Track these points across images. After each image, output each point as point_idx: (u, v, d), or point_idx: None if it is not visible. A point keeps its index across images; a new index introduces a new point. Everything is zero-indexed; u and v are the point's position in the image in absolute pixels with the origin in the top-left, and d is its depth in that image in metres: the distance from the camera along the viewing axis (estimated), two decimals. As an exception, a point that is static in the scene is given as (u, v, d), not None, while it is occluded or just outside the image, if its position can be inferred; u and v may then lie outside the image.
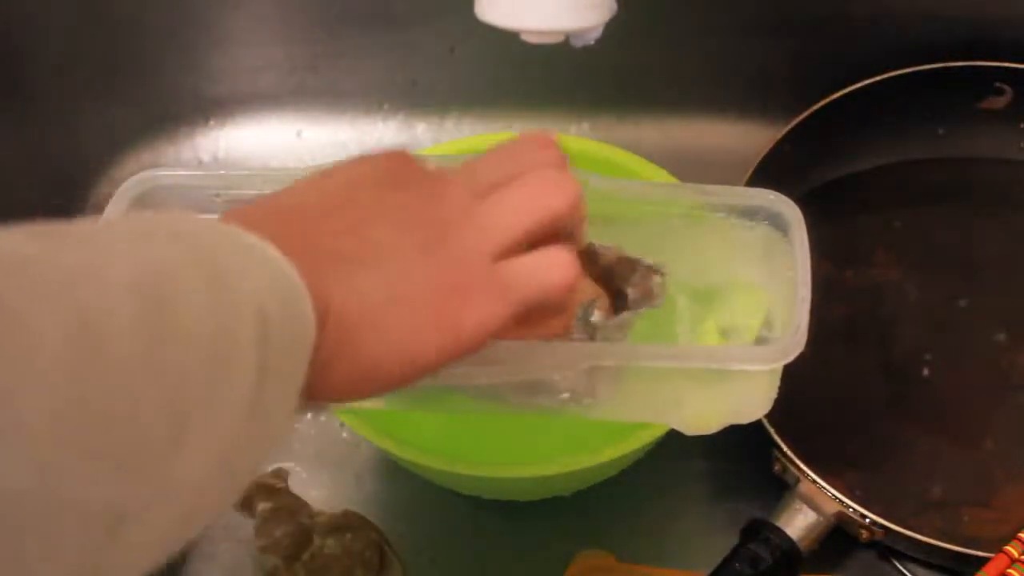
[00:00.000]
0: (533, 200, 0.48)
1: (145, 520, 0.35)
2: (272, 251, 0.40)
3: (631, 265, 0.59)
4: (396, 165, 0.48)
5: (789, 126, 0.77)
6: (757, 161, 0.75)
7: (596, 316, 0.57)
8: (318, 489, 0.71)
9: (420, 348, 0.44)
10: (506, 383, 0.56)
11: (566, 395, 0.56)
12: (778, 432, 0.66)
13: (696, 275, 0.63)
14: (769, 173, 0.73)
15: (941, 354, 0.73)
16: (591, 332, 0.57)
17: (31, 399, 0.31)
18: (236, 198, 0.63)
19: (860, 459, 0.69)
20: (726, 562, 0.64)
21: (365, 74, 0.85)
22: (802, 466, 0.66)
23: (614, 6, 0.60)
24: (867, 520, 0.65)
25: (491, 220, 0.47)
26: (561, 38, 0.60)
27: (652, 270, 0.59)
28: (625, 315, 0.58)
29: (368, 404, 0.61)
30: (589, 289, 0.59)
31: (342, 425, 0.73)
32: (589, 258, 0.60)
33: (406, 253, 0.45)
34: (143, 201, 0.61)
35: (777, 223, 0.60)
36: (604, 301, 0.58)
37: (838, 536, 0.66)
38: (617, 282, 0.59)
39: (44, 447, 0.31)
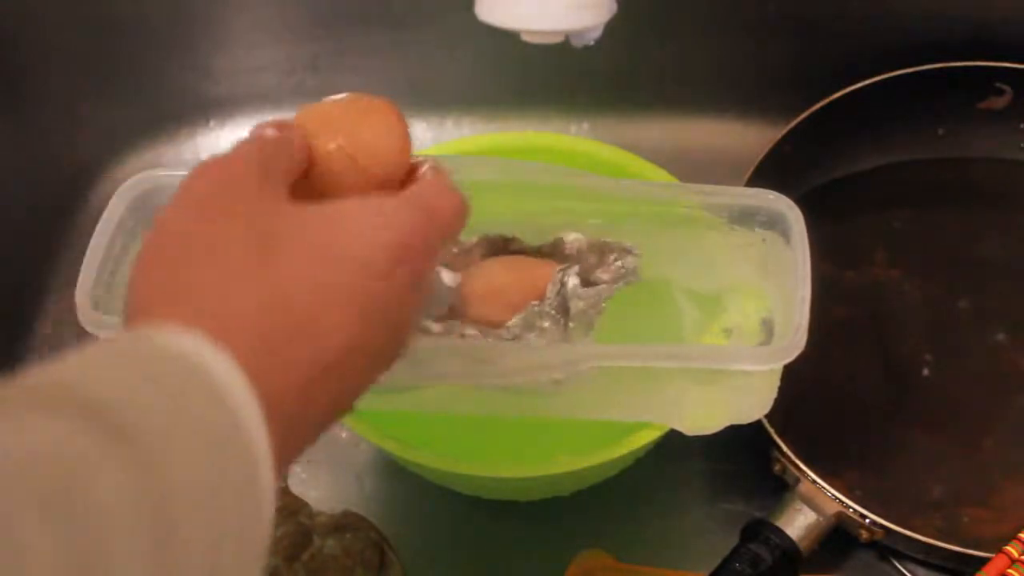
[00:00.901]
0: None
1: None
2: (243, 409, 0.38)
3: (603, 247, 0.60)
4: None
5: (789, 126, 0.77)
6: (757, 161, 0.75)
7: (574, 281, 0.57)
8: (318, 489, 0.71)
9: (344, 409, 0.44)
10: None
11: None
12: (778, 432, 0.66)
13: (697, 277, 0.63)
14: (769, 173, 0.73)
15: (941, 354, 0.73)
16: (565, 299, 0.57)
17: None
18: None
19: (860, 459, 0.69)
20: (726, 562, 0.64)
21: (365, 74, 0.85)
22: (802, 466, 0.66)
23: (614, 6, 0.60)
24: (867, 520, 0.65)
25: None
26: (561, 38, 0.60)
27: (625, 250, 0.60)
28: (603, 288, 0.58)
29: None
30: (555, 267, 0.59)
31: (342, 425, 0.73)
32: (556, 251, 0.61)
33: (342, 328, 0.42)
34: (143, 201, 0.61)
35: (777, 223, 0.60)
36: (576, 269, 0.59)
37: (838, 536, 0.66)
38: (591, 263, 0.60)
39: None
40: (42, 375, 0.36)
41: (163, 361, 0.38)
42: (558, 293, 0.57)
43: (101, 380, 0.36)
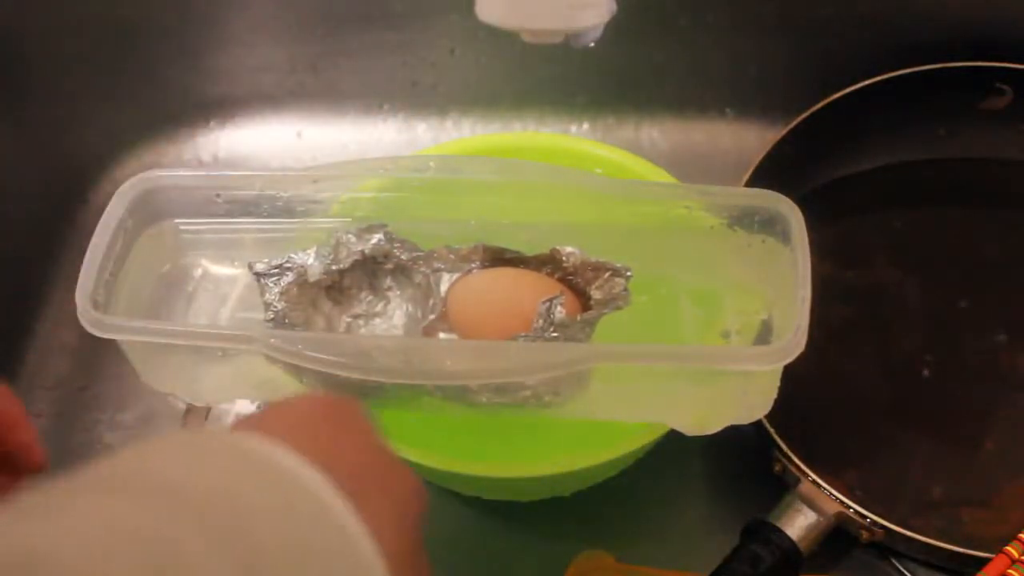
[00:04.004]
0: None
1: None
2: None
3: (595, 268, 0.60)
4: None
5: (789, 126, 0.77)
6: (757, 161, 0.75)
7: (559, 313, 0.57)
8: (318, 489, 0.71)
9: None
10: (479, 384, 0.57)
11: (527, 392, 0.57)
12: (778, 432, 0.66)
13: (697, 277, 0.63)
14: (769, 173, 0.73)
15: (941, 354, 0.73)
16: (553, 328, 0.57)
17: None
18: (236, 198, 0.63)
19: (860, 459, 0.69)
20: (726, 562, 0.64)
21: (365, 74, 0.85)
22: (802, 466, 0.66)
23: (614, 6, 0.60)
24: (867, 520, 0.65)
25: None
26: (561, 38, 0.60)
27: (616, 273, 0.60)
28: (590, 314, 0.59)
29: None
30: (552, 287, 0.59)
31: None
32: (553, 261, 0.61)
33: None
34: (143, 201, 0.61)
35: (777, 223, 0.60)
36: (569, 299, 0.59)
37: (838, 536, 0.66)
38: (582, 284, 0.60)
39: None
40: (137, 465, 0.35)
41: (267, 467, 0.36)
42: (545, 324, 0.58)
43: (200, 473, 0.35)
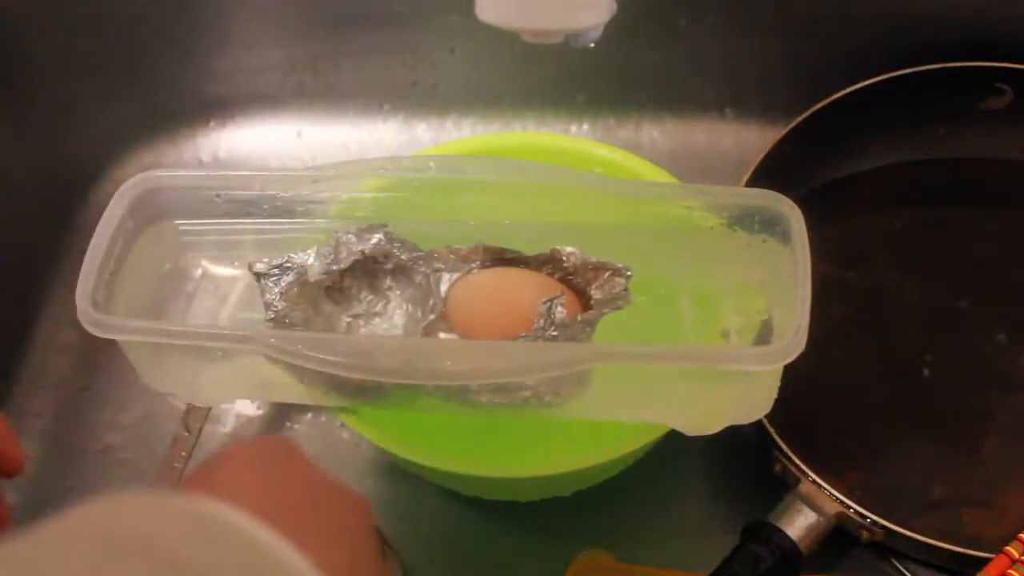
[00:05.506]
0: None
1: None
2: None
3: (595, 268, 0.60)
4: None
5: (789, 126, 0.77)
6: (757, 161, 0.75)
7: (559, 313, 0.57)
8: (318, 489, 0.71)
9: None
10: (479, 384, 0.57)
11: (527, 392, 0.57)
12: (778, 432, 0.66)
13: (697, 277, 0.64)
14: (769, 173, 0.73)
15: (941, 354, 0.73)
16: (553, 328, 0.57)
17: None
18: (236, 198, 0.63)
19: (860, 459, 0.69)
20: (726, 562, 0.64)
21: (365, 74, 0.85)
22: (802, 466, 0.66)
23: (614, 6, 0.60)
24: (867, 520, 0.65)
25: None
26: (561, 38, 0.60)
27: (616, 273, 0.60)
28: (590, 314, 0.59)
29: (334, 402, 0.62)
30: (552, 287, 0.59)
31: (342, 425, 0.73)
32: (553, 261, 0.61)
33: None
34: (143, 201, 0.61)
35: (777, 223, 0.60)
36: (569, 299, 0.59)
37: (838, 536, 0.66)
38: (582, 284, 0.60)
39: None
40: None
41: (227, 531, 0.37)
42: (545, 324, 0.58)
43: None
